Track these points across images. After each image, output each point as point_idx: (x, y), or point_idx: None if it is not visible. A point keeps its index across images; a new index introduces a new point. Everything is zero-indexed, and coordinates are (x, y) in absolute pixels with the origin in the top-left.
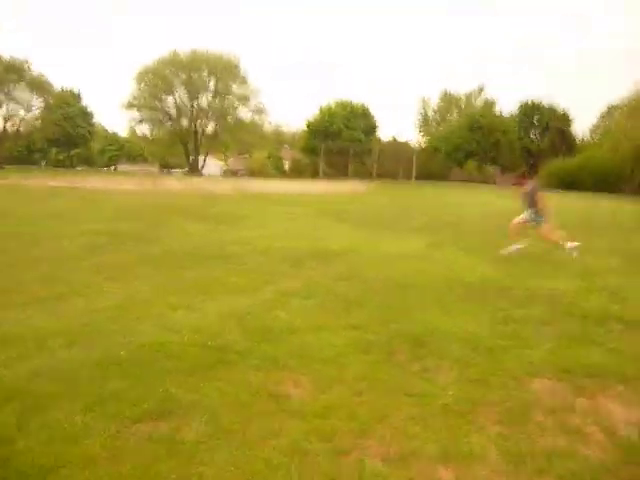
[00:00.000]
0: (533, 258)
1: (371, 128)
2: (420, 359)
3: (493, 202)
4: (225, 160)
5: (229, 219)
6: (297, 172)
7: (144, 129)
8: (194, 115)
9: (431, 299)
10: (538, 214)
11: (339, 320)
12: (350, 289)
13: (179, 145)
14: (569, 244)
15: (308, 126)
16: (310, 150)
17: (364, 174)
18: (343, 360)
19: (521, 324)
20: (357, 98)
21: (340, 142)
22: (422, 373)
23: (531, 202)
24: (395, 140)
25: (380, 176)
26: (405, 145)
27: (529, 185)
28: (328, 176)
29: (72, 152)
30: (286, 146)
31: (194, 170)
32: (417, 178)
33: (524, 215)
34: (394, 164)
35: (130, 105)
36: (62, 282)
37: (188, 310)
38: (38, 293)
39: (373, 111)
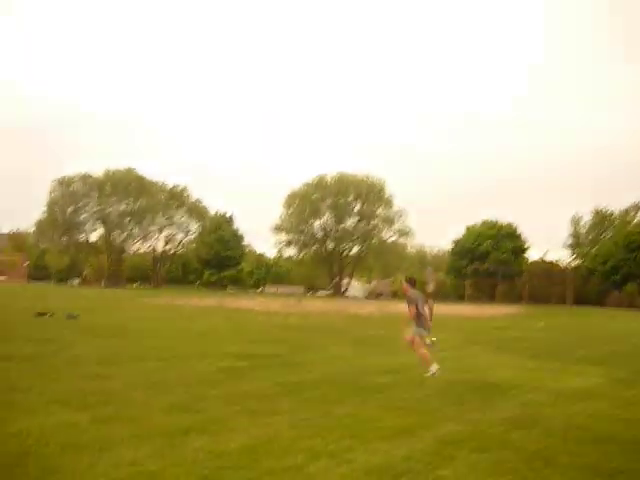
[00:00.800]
0: None
1: (520, 249)
2: None
3: None
4: (369, 282)
5: (376, 343)
6: (441, 295)
7: (291, 251)
8: (339, 238)
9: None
10: (419, 324)
11: None
12: (529, 439)
13: (324, 266)
14: (432, 367)
15: (454, 247)
16: (455, 272)
17: (512, 297)
18: None
19: None
20: (503, 218)
21: (487, 264)
22: None
23: (415, 312)
24: (544, 261)
25: (531, 299)
26: (556, 266)
27: (412, 293)
28: (474, 299)
29: (223, 273)
30: (429, 268)
31: (338, 291)
32: (572, 302)
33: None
34: (545, 287)
35: (278, 228)
36: (190, 412)
37: (332, 459)
38: (160, 426)
39: (520, 229)
